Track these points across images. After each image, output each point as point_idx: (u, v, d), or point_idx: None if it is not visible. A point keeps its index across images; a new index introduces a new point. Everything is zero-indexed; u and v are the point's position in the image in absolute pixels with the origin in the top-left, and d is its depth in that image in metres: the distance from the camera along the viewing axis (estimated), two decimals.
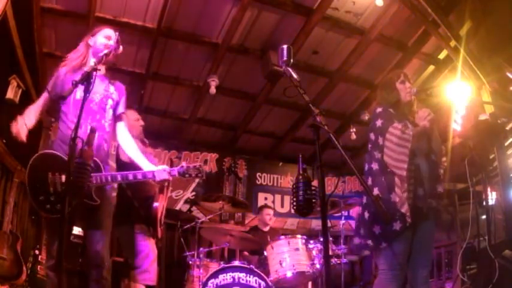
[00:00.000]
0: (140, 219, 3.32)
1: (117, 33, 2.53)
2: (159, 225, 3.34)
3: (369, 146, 2.69)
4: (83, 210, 2.36)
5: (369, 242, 2.53)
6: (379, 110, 2.71)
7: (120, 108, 2.69)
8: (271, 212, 5.53)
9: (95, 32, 2.69)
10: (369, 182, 2.57)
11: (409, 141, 2.46)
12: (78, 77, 2.18)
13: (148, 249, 3.31)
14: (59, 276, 2.22)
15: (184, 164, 2.65)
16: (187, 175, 2.61)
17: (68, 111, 2.48)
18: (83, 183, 2.13)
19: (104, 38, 2.62)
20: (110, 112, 2.61)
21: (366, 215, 2.57)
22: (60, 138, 2.48)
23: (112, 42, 2.54)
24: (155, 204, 3.34)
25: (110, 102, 2.61)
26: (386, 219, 2.19)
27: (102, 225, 2.48)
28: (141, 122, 3.66)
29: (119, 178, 2.50)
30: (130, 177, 2.50)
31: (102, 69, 2.62)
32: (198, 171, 2.61)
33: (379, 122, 2.63)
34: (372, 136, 2.66)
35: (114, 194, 3.08)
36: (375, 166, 2.58)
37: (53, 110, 2.65)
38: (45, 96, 2.61)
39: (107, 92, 2.60)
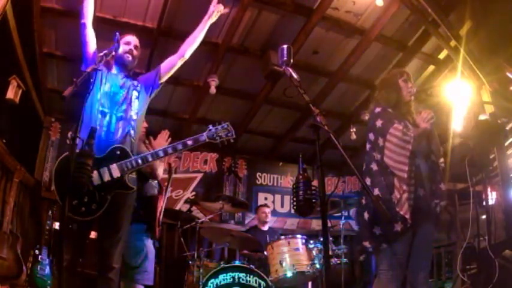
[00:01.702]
0: (139, 219, 3.31)
1: (117, 32, 2.55)
2: (157, 225, 3.33)
3: (368, 146, 2.67)
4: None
5: (369, 243, 2.52)
6: (378, 110, 2.69)
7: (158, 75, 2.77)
8: (266, 209, 5.56)
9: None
10: (368, 182, 2.55)
11: (410, 143, 2.46)
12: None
13: (146, 249, 3.31)
14: (59, 276, 2.22)
15: (211, 126, 2.52)
16: (217, 137, 2.52)
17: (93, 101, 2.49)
18: (84, 183, 2.13)
19: (125, 45, 2.74)
20: (136, 102, 2.64)
21: (366, 216, 2.56)
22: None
23: (131, 46, 2.74)
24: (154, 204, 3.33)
25: (135, 93, 2.66)
26: (387, 220, 2.18)
27: (121, 227, 2.43)
28: (145, 124, 3.65)
29: (150, 158, 2.43)
30: (158, 154, 2.47)
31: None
32: (227, 130, 2.52)
33: (379, 123, 2.61)
34: (372, 136, 2.64)
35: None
36: (374, 167, 2.57)
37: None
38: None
39: (131, 85, 2.67)
